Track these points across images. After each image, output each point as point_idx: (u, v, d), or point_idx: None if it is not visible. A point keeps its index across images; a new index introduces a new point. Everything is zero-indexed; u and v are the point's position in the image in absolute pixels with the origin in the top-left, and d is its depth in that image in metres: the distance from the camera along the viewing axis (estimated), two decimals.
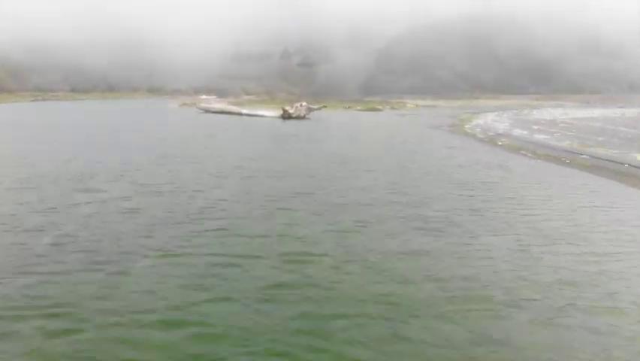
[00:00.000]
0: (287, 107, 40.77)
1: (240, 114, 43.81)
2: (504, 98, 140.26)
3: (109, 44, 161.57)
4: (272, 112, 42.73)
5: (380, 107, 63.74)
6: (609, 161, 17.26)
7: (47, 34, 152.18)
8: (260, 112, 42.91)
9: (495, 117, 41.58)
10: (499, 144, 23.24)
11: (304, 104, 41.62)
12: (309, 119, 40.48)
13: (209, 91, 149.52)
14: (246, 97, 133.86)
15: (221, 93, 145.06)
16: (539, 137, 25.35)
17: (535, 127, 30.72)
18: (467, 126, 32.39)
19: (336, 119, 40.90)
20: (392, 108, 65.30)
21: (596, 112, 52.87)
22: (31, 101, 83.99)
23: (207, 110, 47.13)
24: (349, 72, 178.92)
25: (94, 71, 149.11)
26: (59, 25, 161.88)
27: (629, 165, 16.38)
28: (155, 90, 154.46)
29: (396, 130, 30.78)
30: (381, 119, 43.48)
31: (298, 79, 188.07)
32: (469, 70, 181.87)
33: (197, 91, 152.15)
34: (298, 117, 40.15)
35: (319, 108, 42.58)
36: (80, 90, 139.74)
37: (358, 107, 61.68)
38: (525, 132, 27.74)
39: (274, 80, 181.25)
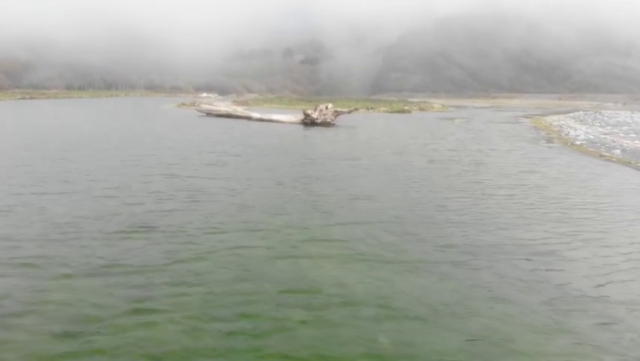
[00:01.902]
0: (309, 111, 32.35)
1: (250, 119, 35.34)
2: (524, 97, 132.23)
3: (107, 41, 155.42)
4: (289, 116, 34.26)
5: (407, 108, 55.31)
6: None
7: (45, 31, 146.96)
8: (275, 116, 34.40)
9: (579, 122, 33.02)
10: None
11: (330, 106, 33.13)
12: (335, 125, 32.09)
13: (210, 89, 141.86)
14: (248, 95, 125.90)
15: (222, 91, 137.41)
16: None
17: None
18: (569, 137, 23.95)
19: (370, 126, 32.51)
20: (421, 109, 56.93)
21: None
22: (18, 99, 79.29)
23: (209, 113, 38.67)
24: (354, 70, 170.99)
25: (91, 69, 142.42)
26: (57, 22, 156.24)
27: None
28: (153, 88, 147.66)
29: (485, 147, 22.25)
30: (426, 124, 34.96)
31: (301, 77, 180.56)
32: (481, 68, 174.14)
33: (198, 89, 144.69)
34: (323, 123, 31.74)
35: (349, 111, 34.07)
36: (76, 88, 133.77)
37: (383, 109, 53.23)
38: None
39: (277, 78, 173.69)
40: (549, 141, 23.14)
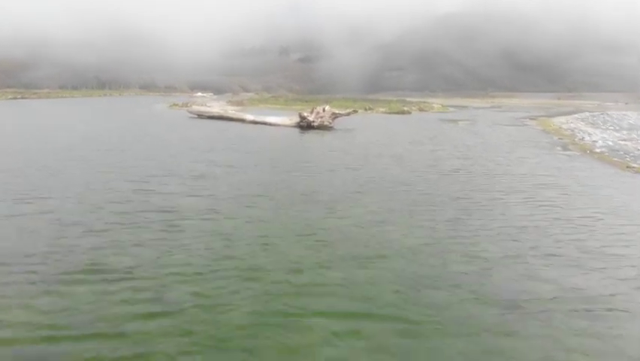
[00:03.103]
0: (305, 114, 30.63)
1: (244, 121, 33.62)
2: (522, 96, 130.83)
3: (103, 40, 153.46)
4: (284, 118, 32.55)
5: (407, 108, 53.64)
6: None
7: (42, 30, 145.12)
8: (269, 119, 32.68)
9: (590, 125, 31.26)
10: None
11: (327, 108, 31.42)
12: (332, 128, 30.40)
13: (205, 88, 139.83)
14: (244, 94, 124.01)
15: (218, 90, 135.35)
16: None
17: None
18: (585, 143, 22.30)
19: (369, 129, 30.83)
20: (420, 110, 55.29)
21: None
22: (9, 99, 77.73)
23: (201, 115, 36.91)
24: (351, 69, 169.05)
25: (85, 67, 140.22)
26: (54, 21, 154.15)
27: None
28: (147, 87, 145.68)
29: (497, 155, 20.62)
30: (428, 127, 33.30)
31: (298, 75, 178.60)
32: (479, 66, 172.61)
33: (193, 88, 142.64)
34: (320, 126, 30.04)
35: (347, 114, 32.35)
36: (70, 87, 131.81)
37: (382, 109, 51.55)
38: None
39: (273, 77, 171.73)
40: (565, 147, 21.48)
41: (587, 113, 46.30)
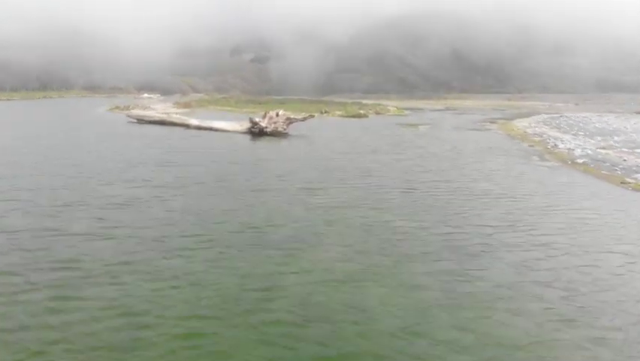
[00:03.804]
0: (257, 119, 27.90)
1: (188, 126, 30.50)
2: (474, 98, 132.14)
3: (43, 38, 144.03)
4: (234, 123, 29.68)
5: (363, 111, 51.69)
6: None
7: None
8: (217, 124, 29.72)
9: (556, 129, 29.84)
10: None
11: (281, 112, 28.77)
12: (287, 133, 27.82)
13: (153, 88, 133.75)
14: (194, 95, 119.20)
15: (166, 91, 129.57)
16: None
17: None
18: (561, 151, 20.58)
19: (327, 135, 28.46)
20: (377, 113, 53.49)
21: None
22: None
23: (141, 120, 33.47)
24: (304, 70, 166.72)
25: (25, 69, 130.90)
26: None
27: None
28: (92, 88, 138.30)
29: (468, 165, 18.57)
30: (388, 133, 31.21)
31: (250, 76, 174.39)
32: (432, 68, 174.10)
33: (140, 88, 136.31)
34: (274, 133, 27.38)
35: (303, 119, 29.78)
36: (8, 89, 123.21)
37: (338, 113, 49.34)
38: None
39: (225, 77, 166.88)
40: (541, 157, 19.68)
41: (545, 116, 45.59)
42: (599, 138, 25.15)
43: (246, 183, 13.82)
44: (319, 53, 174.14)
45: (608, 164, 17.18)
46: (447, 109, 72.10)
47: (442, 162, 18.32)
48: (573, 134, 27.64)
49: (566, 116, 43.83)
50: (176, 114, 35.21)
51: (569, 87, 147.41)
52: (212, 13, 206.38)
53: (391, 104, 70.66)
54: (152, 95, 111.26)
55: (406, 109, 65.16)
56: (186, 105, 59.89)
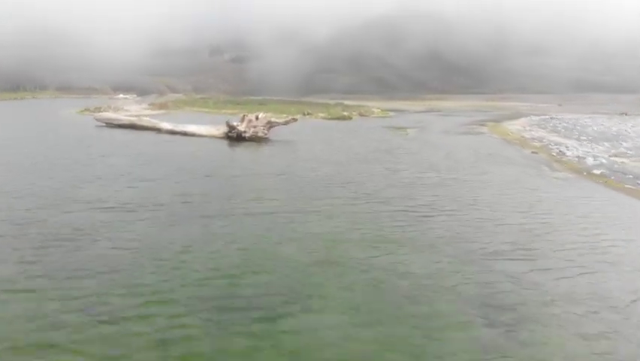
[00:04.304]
0: (235, 123, 25.53)
1: (159, 131, 28.00)
2: (454, 98, 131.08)
3: (15, 37, 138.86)
4: (209, 127, 27.24)
5: (347, 113, 49.58)
6: None
7: None
8: (191, 128, 27.24)
9: (554, 133, 27.96)
10: None
11: (261, 115, 26.41)
12: (268, 138, 25.52)
13: (129, 89, 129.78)
14: (172, 95, 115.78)
15: (143, 91, 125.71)
16: None
17: None
18: (570, 160, 18.61)
19: (311, 140, 26.18)
20: (361, 115, 51.43)
21: None
22: None
23: (110, 123, 30.79)
24: (283, 70, 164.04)
25: None
26: None
27: None
28: (66, 89, 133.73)
29: (471, 179, 16.47)
30: (376, 137, 29.06)
31: (229, 76, 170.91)
32: (411, 69, 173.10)
33: (116, 89, 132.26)
34: (254, 138, 25.05)
35: (286, 122, 27.42)
36: None
37: (321, 114, 47.13)
38: None
39: (203, 77, 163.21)
40: (550, 166, 17.68)
41: (535, 118, 43.97)
42: (606, 144, 23.29)
43: (220, 204, 11.50)
44: (298, 53, 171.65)
45: (630, 176, 15.27)
46: (429, 110, 70.52)
47: (441, 174, 16.21)
48: (576, 139, 25.81)
49: (557, 118, 42.25)
50: (148, 117, 32.55)
51: (546, 87, 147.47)
52: (191, 13, 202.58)
53: (374, 105, 68.82)
54: (127, 96, 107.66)
55: (389, 110, 63.37)
56: (162, 106, 57.09)
